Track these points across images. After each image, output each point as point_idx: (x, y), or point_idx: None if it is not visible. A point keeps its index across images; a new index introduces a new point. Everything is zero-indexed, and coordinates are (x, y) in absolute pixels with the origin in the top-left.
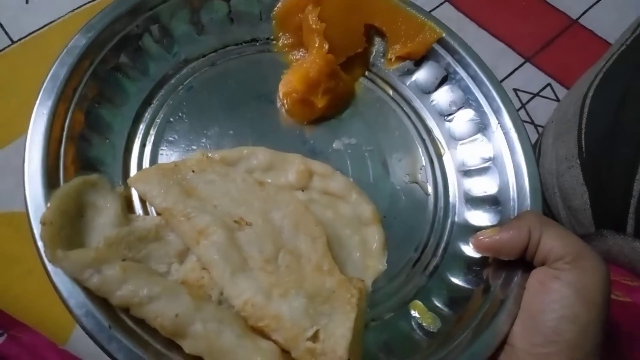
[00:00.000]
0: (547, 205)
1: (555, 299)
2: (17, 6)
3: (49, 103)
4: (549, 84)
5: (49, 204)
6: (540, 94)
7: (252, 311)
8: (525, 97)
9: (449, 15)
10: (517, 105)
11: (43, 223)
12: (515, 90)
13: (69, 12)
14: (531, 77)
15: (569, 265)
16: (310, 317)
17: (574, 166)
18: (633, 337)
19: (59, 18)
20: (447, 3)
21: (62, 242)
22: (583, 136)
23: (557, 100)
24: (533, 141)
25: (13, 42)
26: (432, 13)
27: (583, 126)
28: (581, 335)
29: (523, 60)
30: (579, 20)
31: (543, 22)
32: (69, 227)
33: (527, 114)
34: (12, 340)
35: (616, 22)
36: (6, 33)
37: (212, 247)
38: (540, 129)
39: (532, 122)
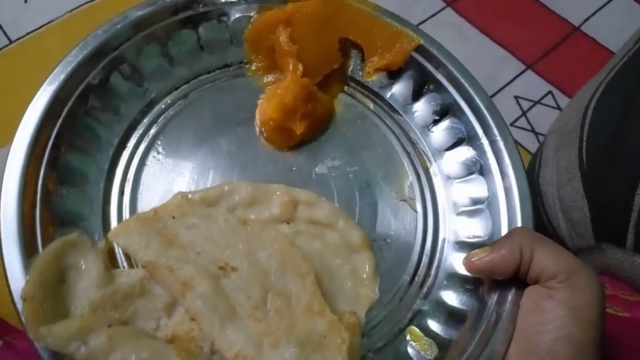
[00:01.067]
0: (547, 217)
1: (549, 319)
2: (16, 6)
3: (19, 165)
4: (550, 92)
5: (27, 277)
6: (542, 101)
7: None
8: (526, 105)
9: (451, 20)
10: (518, 113)
11: (24, 299)
12: (516, 97)
13: (67, 12)
14: (532, 85)
15: (561, 284)
16: None
17: (575, 178)
18: (632, 352)
19: (57, 18)
20: (448, 8)
21: (46, 315)
22: (584, 148)
23: (559, 108)
24: (533, 149)
25: (11, 41)
26: (434, 18)
27: (584, 138)
28: (577, 356)
29: (524, 68)
30: (581, 28)
31: (545, 29)
32: (51, 296)
33: (528, 121)
34: (8, 347)
35: (618, 30)
36: (4, 33)
37: (198, 299)
38: (540, 137)
39: (533, 130)
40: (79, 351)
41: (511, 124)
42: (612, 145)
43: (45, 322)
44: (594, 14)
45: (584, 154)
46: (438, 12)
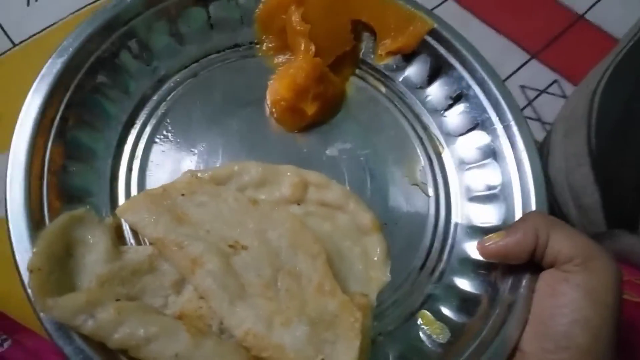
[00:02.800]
0: (557, 204)
1: (565, 302)
2: (19, 8)
3: (26, 138)
4: (555, 81)
5: (34, 249)
6: (547, 90)
7: (253, 342)
8: (531, 94)
9: (453, 11)
10: (524, 102)
11: (30, 270)
12: (521, 87)
13: (70, 14)
14: (538, 74)
15: (578, 267)
16: (314, 345)
17: (584, 164)
18: None
19: (60, 20)
20: (450, 0)
21: (52, 288)
22: (593, 133)
23: (564, 97)
24: (540, 138)
25: (14, 44)
26: (437, 9)
27: (593, 123)
28: (593, 339)
29: (529, 57)
30: (585, 16)
31: (549, 18)
32: (58, 269)
33: (534, 110)
34: (17, 346)
35: (622, 17)
36: (7, 36)
37: (207, 276)
38: (547, 126)
39: (539, 120)
40: (86, 324)
41: None
42: (621, 129)
43: (52, 294)
44: (597, 1)
45: (592, 139)
46: (441, 3)
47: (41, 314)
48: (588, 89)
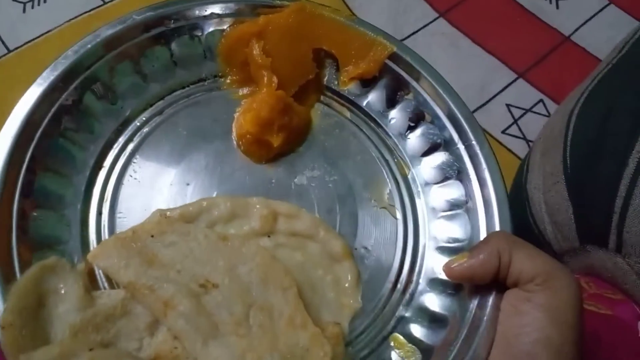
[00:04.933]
0: (533, 221)
1: (528, 322)
2: (14, 15)
3: None
4: (541, 100)
5: (5, 305)
6: (533, 109)
7: None
8: (517, 113)
9: (443, 30)
10: (510, 121)
11: (2, 327)
12: (507, 105)
13: (65, 22)
14: (524, 93)
15: (539, 286)
16: None
17: (559, 182)
18: (614, 348)
19: (55, 28)
20: (441, 18)
21: (25, 343)
22: (568, 153)
23: (549, 116)
24: (524, 156)
25: (9, 51)
26: (426, 28)
27: (568, 143)
28: (555, 357)
29: (516, 76)
30: (571, 37)
31: (536, 39)
32: (31, 322)
33: (520, 129)
34: None
35: (608, 39)
36: (2, 42)
37: (179, 317)
38: (531, 144)
39: (524, 138)
40: None
41: (503, 132)
42: (594, 150)
43: (25, 349)
44: (584, 24)
45: (568, 158)
46: (430, 22)
47: None
48: (566, 110)
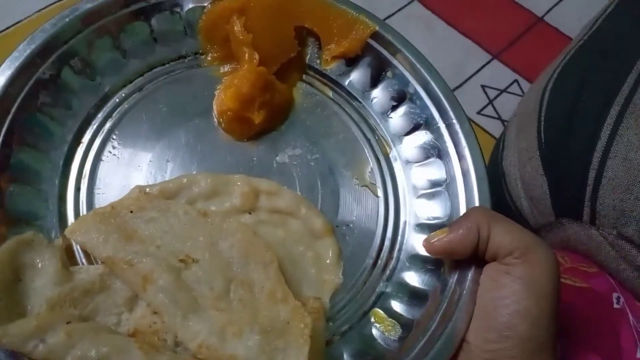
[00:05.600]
0: (510, 197)
1: (507, 294)
2: None
3: None
4: (515, 80)
5: None
6: (508, 90)
7: (207, 354)
8: (492, 94)
9: (418, 13)
10: (485, 101)
11: None
12: (483, 86)
13: (35, 12)
14: (498, 74)
15: (518, 260)
16: (266, 354)
17: (534, 157)
18: (590, 320)
19: (25, 18)
20: (416, 1)
21: (2, 315)
22: (542, 128)
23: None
24: (499, 136)
25: None
26: (402, 11)
27: (542, 119)
28: (533, 328)
29: (490, 57)
30: (544, 18)
31: (510, 20)
32: (7, 295)
33: (495, 109)
34: None
35: (580, 19)
36: None
37: (159, 292)
38: (507, 123)
39: (500, 118)
40: (37, 349)
41: (478, 112)
42: (567, 125)
43: (2, 321)
44: (556, 4)
45: (542, 134)
46: (406, 5)
47: None
48: (539, 87)
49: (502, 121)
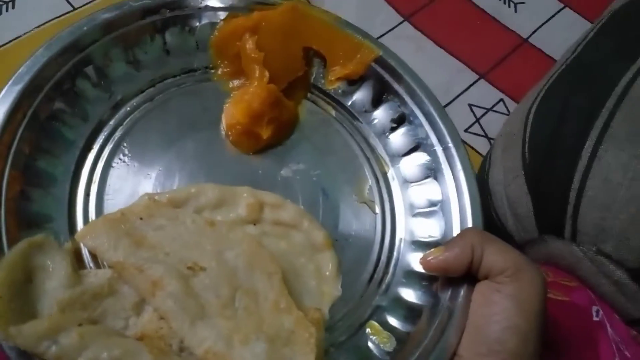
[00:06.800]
0: (496, 214)
1: (497, 311)
2: None
3: None
4: (501, 100)
5: None
6: (494, 109)
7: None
8: (479, 112)
9: (408, 33)
10: (472, 120)
11: None
12: (470, 105)
13: (35, 28)
14: (485, 93)
15: (509, 278)
16: None
17: (519, 176)
18: (570, 332)
19: (24, 34)
20: (406, 22)
21: (14, 316)
22: (527, 149)
23: (509, 114)
24: (485, 153)
25: None
26: (392, 31)
27: (527, 139)
28: (522, 344)
29: (477, 77)
30: (529, 40)
31: (496, 41)
32: (19, 297)
33: (481, 127)
34: None
35: (563, 41)
36: None
37: (168, 298)
38: (493, 142)
39: (486, 135)
40: (49, 350)
41: (465, 130)
42: (550, 146)
43: (14, 322)
44: (541, 26)
45: (526, 154)
46: (396, 26)
47: (3, 342)
48: (524, 108)
49: (489, 139)
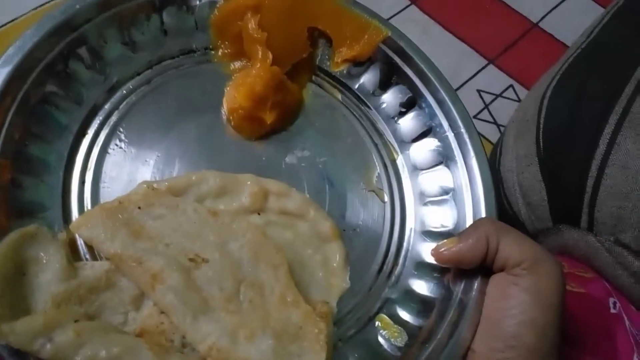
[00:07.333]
0: (508, 202)
1: (514, 304)
2: None
3: None
4: (511, 85)
5: None
6: (503, 95)
7: (218, 356)
8: (488, 98)
9: (415, 17)
10: (481, 106)
11: None
12: (478, 91)
13: (31, 10)
14: (494, 79)
15: (526, 271)
16: (281, 358)
17: (533, 164)
18: (587, 325)
19: (21, 16)
20: (413, 5)
21: (5, 312)
22: (541, 135)
23: (519, 100)
24: (495, 140)
25: None
26: (399, 15)
27: (541, 125)
28: (539, 339)
29: (486, 62)
30: (539, 24)
31: (505, 26)
32: (10, 291)
33: (490, 114)
34: None
35: (574, 25)
36: None
37: (169, 291)
38: (502, 129)
39: (495, 122)
40: (44, 348)
41: (474, 117)
42: (566, 132)
43: (5, 317)
44: (551, 10)
45: (540, 140)
46: (403, 9)
47: None
48: (538, 94)
49: (498, 125)
